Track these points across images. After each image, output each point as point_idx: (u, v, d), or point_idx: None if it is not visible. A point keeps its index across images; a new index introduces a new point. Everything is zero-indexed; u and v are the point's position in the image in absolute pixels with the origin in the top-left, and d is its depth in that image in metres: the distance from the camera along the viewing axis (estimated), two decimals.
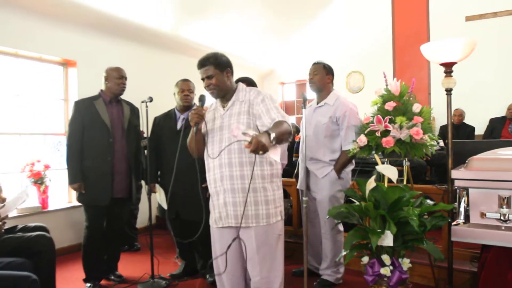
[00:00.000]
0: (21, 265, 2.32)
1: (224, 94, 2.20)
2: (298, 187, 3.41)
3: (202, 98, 2.17)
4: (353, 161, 3.26)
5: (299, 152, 3.46)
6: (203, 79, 2.17)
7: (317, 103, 3.27)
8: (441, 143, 5.19)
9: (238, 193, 2.08)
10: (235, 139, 2.02)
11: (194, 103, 3.40)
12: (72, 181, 3.18)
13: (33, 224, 2.85)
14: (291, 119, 8.07)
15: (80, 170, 3.18)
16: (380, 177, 2.82)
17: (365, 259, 2.50)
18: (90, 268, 3.29)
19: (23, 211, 4.03)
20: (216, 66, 2.13)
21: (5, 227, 2.66)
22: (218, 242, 2.23)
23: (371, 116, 2.90)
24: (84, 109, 3.21)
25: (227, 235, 2.16)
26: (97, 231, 3.25)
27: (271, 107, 2.10)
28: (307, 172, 3.29)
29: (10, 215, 2.69)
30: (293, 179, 3.69)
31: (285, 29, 7.63)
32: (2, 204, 2.77)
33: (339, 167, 3.14)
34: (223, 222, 2.16)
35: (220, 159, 2.10)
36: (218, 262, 2.25)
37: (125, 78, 3.32)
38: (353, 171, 3.33)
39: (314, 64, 3.28)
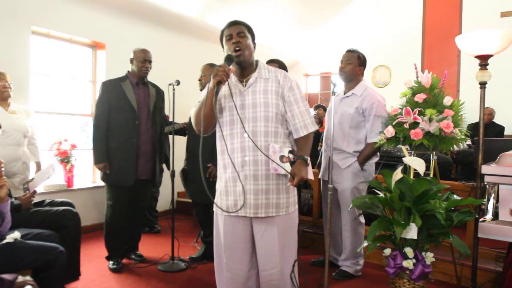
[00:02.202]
0: (49, 236, 2.39)
1: (247, 63, 1.95)
2: (320, 176, 3.38)
3: (230, 57, 1.89)
4: (378, 154, 3.21)
5: (323, 142, 3.41)
6: (230, 37, 1.93)
7: (344, 93, 3.22)
8: (469, 141, 5.06)
9: (261, 180, 1.91)
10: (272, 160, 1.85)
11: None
12: (98, 161, 3.23)
13: (60, 200, 2.94)
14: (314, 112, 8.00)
15: (106, 151, 3.22)
16: (407, 170, 2.78)
17: (387, 251, 2.47)
18: (112, 246, 3.37)
19: (49, 188, 4.15)
20: (248, 30, 1.98)
21: (33, 201, 2.73)
22: (230, 232, 2.00)
23: (400, 108, 2.85)
24: (112, 90, 3.25)
25: (242, 224, 1.99)
26: (120, 211, 3.31)
27: (300, 98, 2.00)
28: (330, 161, 3.26)
29: (37, 191, 2.76)
30: (315, 170, 3.67)
31: (313, 21, 7.54)
32: (31, 178, 2.86)
33: (362, 158, 3.10)
34: (238, 211, 1.94)
35: (243, 141, 1.90)
36: (221, 255, 2.05)
37: (149, 62, 3.33)
38: (377, 164, 3.29)
39: (348, 51, 3.18)
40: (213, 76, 1.81)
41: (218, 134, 2.01)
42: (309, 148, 1.98)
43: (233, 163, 1.91)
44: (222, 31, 2.01)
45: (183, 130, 4.13)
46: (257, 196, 1.91)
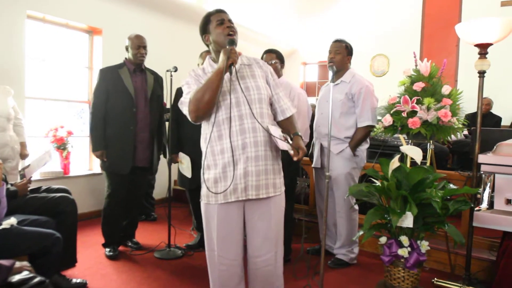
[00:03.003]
0: (46, 223, 2.38)
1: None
2: (313, 165, 3.38)
3: (233, 41, 1.91)
4: (368, 140, 3.23)
5: (313, 130, 3.40)
6: (221, 22, 1.96)
7: (333, 82, 3.20)
8: (465, 131, 5.07)
9: (262, 160, 1.91)
10: (279, 143, 1.88)
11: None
12: (95, 148, 3.23)
13: (56, 186, 2.92)
14: (312, 100, 7.98)
15: (103, 138, 3.22)
16: (403, 159, 2.78)
17: (383, 239, 2.49)
18: (109, 234, 3.37)
19: (45, 175, 4.13)
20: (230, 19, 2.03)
21: (29, 188, 2.72)
22: (225, 221, 1.95)
23: (398, 97, 2.85)
24: (109, 77, 3.23)
25: (236, 212, 1.96)
26: (117, 198, 3.31)
27: (278, 83, 2.11)
28: (322, 149, 3.27)
29: (33, 177, 2.74)
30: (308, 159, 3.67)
31: (311, 9, 7.48)
32: (27, 165, 2.85)
33: (354, 143, 3.12)
34: (238, 196, 1.91)
35: (242, 124, 1.89)
36: (213, 248, 1.98)
37: (144, 47, 3.28)
38: (374, 153, 3.29)
39: (336, 41, 3.19)
40: (227, 58, 1.81)
41: (211, 121, 1.93)
42: (297, 126, 2.08)
43: (232, 146, 1.88)
44: (208, 17, 2.01)
45: None
46: (258, 177, 1.91)
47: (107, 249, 3.34)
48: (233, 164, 1.90)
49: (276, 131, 1.92)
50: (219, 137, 1.92)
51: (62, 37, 4.50)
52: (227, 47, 1.86)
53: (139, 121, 3.27)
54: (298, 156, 1.86)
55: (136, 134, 3.26)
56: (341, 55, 3.14)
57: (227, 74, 1.86)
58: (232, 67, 1.83)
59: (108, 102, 3.22)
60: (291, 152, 1.86)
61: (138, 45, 3.25)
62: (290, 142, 1.92)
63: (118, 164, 3.23)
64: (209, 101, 1.84)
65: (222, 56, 1.84)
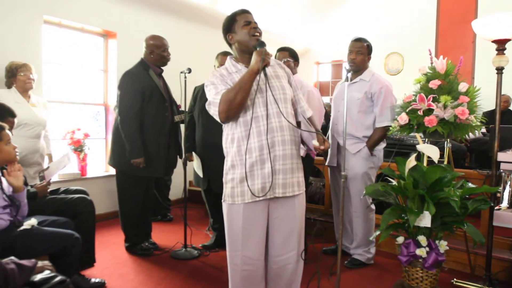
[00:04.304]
0: (65, 223, 2.42)
1: None
2: (327, 163, 3.34)
3: (262, 42, 1.92)
4: (385, 140, 3.19)
5: (329, 129, 3.37)
6: (248, 23, 1.98)
7: (351, 80, 3.16)
8: (483, 129, 4.98)
9: (288, 159, 1.95)
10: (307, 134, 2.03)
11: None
12: (136, 155, 3.15)
13: (74, 188, 2.97)
14: (326, 100, 7.94)
15: (142, 144, 3.16)
16: (420, 158, 2.75)
17: (400, 239, 2.46)
18: (135, 233, 3.43)
19: (63, 177, 4.20)
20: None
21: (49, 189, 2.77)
22: (250, 221, 1.95)
23: (413, 95, 2.81)
24: (144, 81, 3.19)
25: (261, 211, 1.96)
26: (140, 200, 3.36)
27: (297, 86, 2.18)
28: (338, 148, 3.24)
29: (52, 179, 2.79)
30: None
31: (324, 8, 7.44)
32: (46, 167, 2.90)
33: (372, 143, 3.08)
34: (266, 194, 1.92)
35: (270, 123, 1.91)
36: (237, 249, 1.97)
37: (168, 48, 3.34)
38: (390, 152, 3.25)
39: (357, 41, 3.12)
40: (261, 60, 1.82)
41: (238, 120, 1.94)
42: (317, 126, 2.20)
43: (260, 146, 1.90)
44: (234, 17, 2.01)
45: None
46: (285, 175, 1.95)
47: (137, 248, 3.40)
48: (259, 163, 1.92)
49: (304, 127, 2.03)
50: (246, 136, 1.93)
51: (77, 41, 4.57)
52: (259, 48, 1.88)
53: (168, 124, 3.33)
54: (325, 145, 1.91)
55: (168, 137, 3.33)
56: (363, 56, 3.10)
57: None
58: (266, 68, 1.86)
59: (143, 106, 3.17)
60: (316, 143, 1.89)
61: (166, 46, 3.30)
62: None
63: (154, 168, 3.26)
64: (241, 101, 1.87)
65: (256, 57, 1.85)
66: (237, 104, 1.86)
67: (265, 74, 1.87)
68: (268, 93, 1.92)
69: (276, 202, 1.98)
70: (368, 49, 3.14)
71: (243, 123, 1.93)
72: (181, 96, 3.37)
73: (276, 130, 1.92)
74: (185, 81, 3.32)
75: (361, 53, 3.09)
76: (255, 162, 1.92)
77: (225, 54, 3.38)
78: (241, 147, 1.94)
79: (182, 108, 3.54)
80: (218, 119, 1.94)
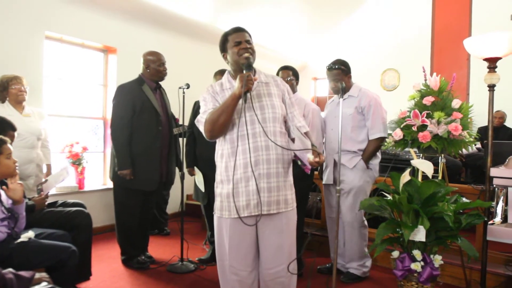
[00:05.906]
0: (62, 236, 2.44)
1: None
2: (324, 182, 3.36)
3: (250, 65, 1.95)
4: (378, 154, 3.23)
5: (324, 146, 3.41)
6: (238, 43, 2.01)
7: (341, 97, 3.21)
8: (478, 144, 5.03)
9: (273, 177, 1.97)
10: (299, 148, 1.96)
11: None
12: (123, 167, 3.21)
13: (72, 201, 2.99)
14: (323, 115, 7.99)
15: (130, 157, 3.22)
16: (415, 173, 2.78)
17: (396, 253, 2.48)
18: (132, 247, 3.42)
19: (61, 190, 4.21)
20: (250, 37, 2.09)
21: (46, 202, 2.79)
22: (236, 234, 2.00)
23: (408, 111, 2.86)
24: (135, 94, 3.26)
25: (248, 223, 1.98)
26: (136, 213, 3.37)
27: (293, 102, 2.16)
28: (335, 165, 3.27)
29: (50, 192, 2.81)
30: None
31: (321, 24, 7.56)
32: (45, 180, 2.92)
33: (367, 155, 3.12)
34: (250, 211, 1.96)
35: (256, 141, 1.95)
36: (224, 258, 2.05)
37: (165, 63, 3.40)
38: (385, 167, 3.28)
39: (330, 70, 3.20)
40: (243, 85, 1.84)
41: (225, 137, 2.00)
42: (313, 141, 2.14)
43: (245, 163, 1.94)
44: (226, 36, 2.07)
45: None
46: (270, 193, 1.97)
47: (134, 261, 3.40)
48: (244, 180, 1.96)
49: (297, 146, 1.98)
50: (232, 153, 1.98)
51: (78, 56, 4.63)
52: (244, 72, 1.90)
53: (163, 138, 3.36)
54: (320, 158, 1.87)
55: (161, 151, 3.34)
56: (341, 81, 3.09)
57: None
58: (248, 94, 1.88)
59: (134, 119, 3.23)
60: (311, 157, 1.86)
61: (162, 61, 3.36)
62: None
63: (146, 181, 3.28)
64: (224, 123, 1.93)
65: (238, 83, 1.88)
66: (219, 125, 1.93)
67: (245, 101, 1.88)
68: (256, 111, 1.96)
69: (264, 218, 1.99)
70: (344, 71, 3.17)
71: (229, 140, 1.99)
72: (179, 111, 3.42)
73: (261, 149, 1.96)
74: (184, 96, 3.37)
75: (338, 79, 3.14)
76: (240, 179, 1.96)
77: (221, 73, 3.44)
78: (228, 164, 2.00)
79: (180, 122, 3.58)
80: (204, 137, 2.02)
